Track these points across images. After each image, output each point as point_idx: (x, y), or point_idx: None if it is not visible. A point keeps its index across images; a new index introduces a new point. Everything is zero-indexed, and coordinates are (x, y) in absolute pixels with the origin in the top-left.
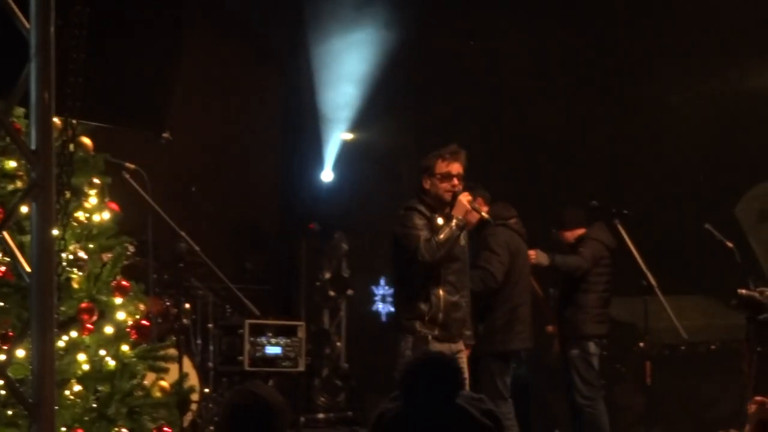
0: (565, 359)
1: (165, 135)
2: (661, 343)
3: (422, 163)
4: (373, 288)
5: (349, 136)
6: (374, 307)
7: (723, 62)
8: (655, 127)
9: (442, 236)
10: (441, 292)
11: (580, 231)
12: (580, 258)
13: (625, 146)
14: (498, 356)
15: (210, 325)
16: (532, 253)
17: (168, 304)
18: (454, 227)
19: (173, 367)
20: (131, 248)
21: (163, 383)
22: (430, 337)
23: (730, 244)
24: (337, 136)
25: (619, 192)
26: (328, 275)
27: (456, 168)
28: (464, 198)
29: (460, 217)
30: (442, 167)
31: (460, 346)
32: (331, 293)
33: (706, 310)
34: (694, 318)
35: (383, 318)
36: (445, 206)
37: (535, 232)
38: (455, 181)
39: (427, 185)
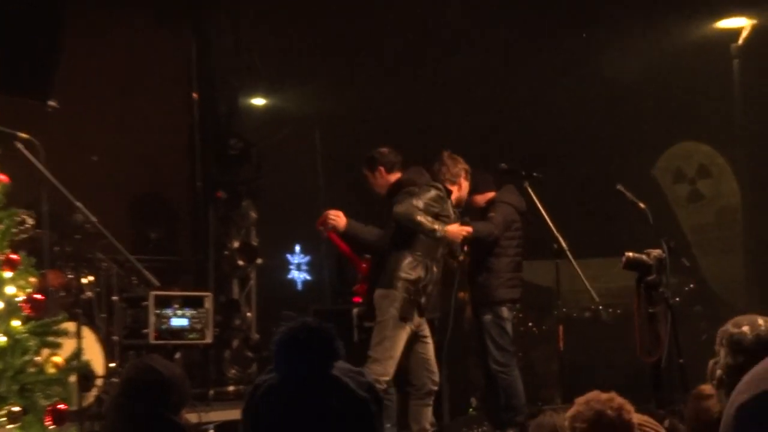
0: (478, 325)
1: (51, 103)
2: (576, 307)
3: (451, 168)
4: (289, 256)
5: (260, 102)
6: (289, 276)
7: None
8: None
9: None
10: (435, 269)
11: (490, 194)
12: (490, 224)
13: (543, 107)
14: None
15: (115, 298)
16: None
17: (70, 276)
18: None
19: (72, 342)
20: (30, 221)
21: (57, 359)
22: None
23: (642, 205)
24: (246, 101)
25: (532, 153)
26: (236, 244)
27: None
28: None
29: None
30: (463, 185)
31: (422, 321)
32: (240, 263)
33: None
34: (608, 281)
35: (299, 286)
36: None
37: None
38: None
39: (452, 189)
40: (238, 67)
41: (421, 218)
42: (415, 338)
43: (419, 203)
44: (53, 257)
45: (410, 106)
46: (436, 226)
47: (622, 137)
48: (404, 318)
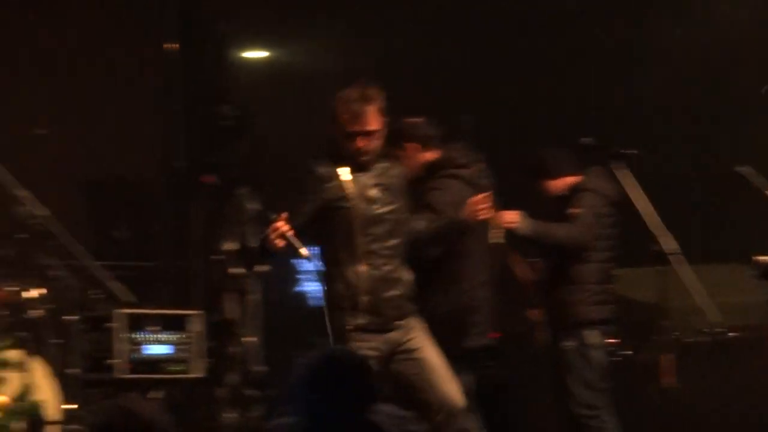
0: (556, 354)
1: None
2: (689, 330)
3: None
4: (296, 262)
5: (259, 55)
6: (298, 288)
7: None
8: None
9: None
10: (362, 267)
11: (572, 179)
12: (574, 228)
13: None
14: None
15: (71, 318)
16: (508, 215)
17: (11, 289)
18: None
19: (17, 377)
20: None
21: (1, 398)
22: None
23: None
24: (240, 56)
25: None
26: (231, 246)
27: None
28: None
29: None
30: None
31: (403, 335)
32: (237, 271)
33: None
34: (731, 294)
35: (311, 302)
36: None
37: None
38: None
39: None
40: (228, 8)
41: None
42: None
43: None
44: None
45: (455, 61)
46: None
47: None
48: None
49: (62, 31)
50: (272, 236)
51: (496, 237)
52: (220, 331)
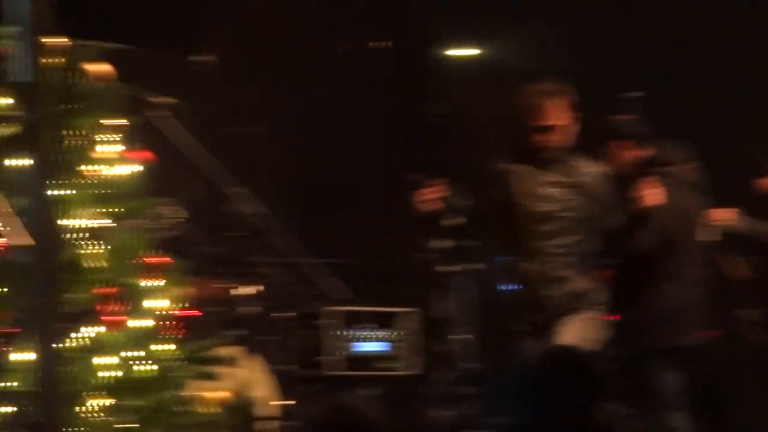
0: None
1: (200, 58)
2: None
3: None
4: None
5: (469, 53)
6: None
7: None
8: None
9: None
10: (529, 265)
11: None
12: None
13: None
14: (657, 352)
15: (286, 315)
16: (723, 213)
17: (226, 286)
18: None
19: (235, 373)
20: (175, 213)
21: (220, 394)
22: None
23: None
24: (451, 54)
25: None
26: (442, 244)
27: None
28: None
29: None
30: None
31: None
32: (449, 268)
33: None
34: None
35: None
36: None
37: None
38: None
39: None
40: (439, 6)
41: None
42: None
43: None
44: (205, 260)
45: (665, 62)
46: None
47: None
48: None
49: (279, 31)
50: (420, 199)
51: (710, 235)
52: (434, 329)
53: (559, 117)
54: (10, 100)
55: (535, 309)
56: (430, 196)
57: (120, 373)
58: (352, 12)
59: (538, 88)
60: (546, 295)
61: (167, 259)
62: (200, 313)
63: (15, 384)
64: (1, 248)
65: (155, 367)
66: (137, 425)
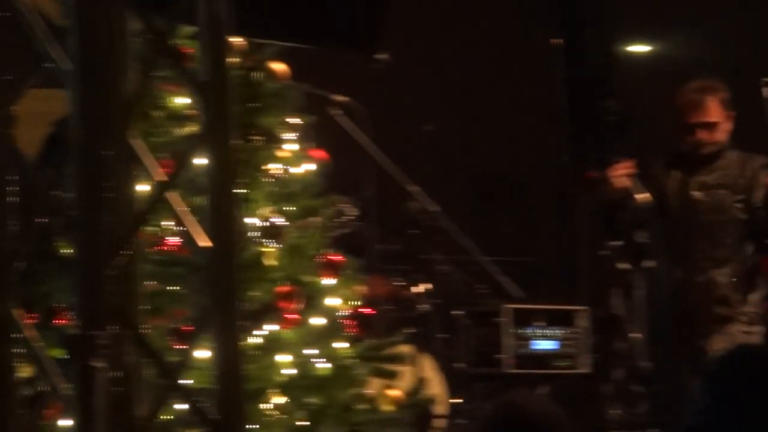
0: None
1: (381, 56)
2: None
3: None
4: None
5: (642, 50)
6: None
7: None
8: None
9: None
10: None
11: None
12: None
13: None
14: None
15: (458, 313)
16: None
17: (399, 284)
18: None
19: (408, 371)
20: (350, 211)
21: (395, 392)
22: None
23: None
24: (624, 51)
25: None
26: (617, 241)
27: None
28: None
29: None
30: None
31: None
32: (623, 266)
33: None
34: None
35: None
36: None
37: None
38: None
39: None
40: (610, 2)
41: None
42: None
43: None
44: (378, 258)
45: None
46: None
47: None
48: None
49: (448, 30)
50: (613, 173)
51: None
52: (606, 327)
53: (718, 114)
54: (189, 100)
55: (683, 319)
56: (623, 171)
57: (296, 371)
58: (528, 10)
59: (698, 84)
60: (696, 305)
61: (342, 258)
62: (375, 312)
63: (191, 381)
64: (176, 247)
65: (329, 365)
66: (312, 423)
